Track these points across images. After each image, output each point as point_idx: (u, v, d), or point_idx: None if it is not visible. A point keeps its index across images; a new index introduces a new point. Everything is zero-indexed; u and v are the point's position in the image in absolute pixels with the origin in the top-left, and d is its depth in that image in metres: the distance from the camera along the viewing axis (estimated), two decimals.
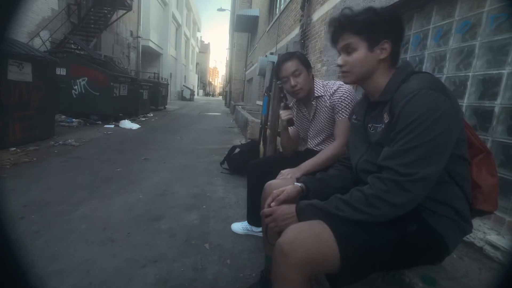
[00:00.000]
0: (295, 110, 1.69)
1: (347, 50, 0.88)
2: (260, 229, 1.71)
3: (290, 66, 1.45)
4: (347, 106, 1.43)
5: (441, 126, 0.72)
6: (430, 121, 0.72)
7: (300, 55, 1.50)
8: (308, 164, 1.42)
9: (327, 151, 1.44)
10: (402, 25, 0.89)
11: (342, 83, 1.48)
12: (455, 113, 0.76)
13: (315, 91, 1.53)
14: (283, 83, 1.52)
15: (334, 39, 0.92)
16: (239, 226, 1.95)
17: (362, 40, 0.85)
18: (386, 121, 0.83)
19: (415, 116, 0.73)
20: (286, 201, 0.97)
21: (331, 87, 1.50)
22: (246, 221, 1.91)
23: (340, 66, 0.91)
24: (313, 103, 1.55)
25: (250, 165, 1.71)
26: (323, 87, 1.53)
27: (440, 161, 0.74)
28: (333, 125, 1.51)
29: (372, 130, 0.91)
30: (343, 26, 0.88)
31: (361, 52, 0.86)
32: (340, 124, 1.44)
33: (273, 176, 1.44)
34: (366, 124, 0.96)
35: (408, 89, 0.77)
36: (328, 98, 1.49)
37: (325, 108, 1.51)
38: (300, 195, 1.01)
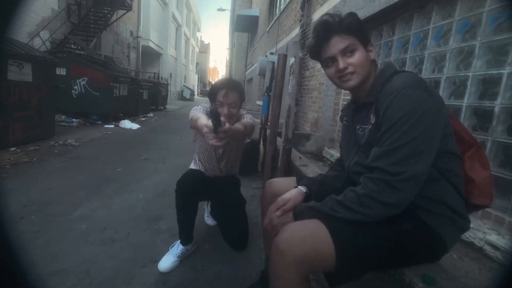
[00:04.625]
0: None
1: (347, 52, 0.86)
2: (187, 246, 1.61)
3: (232, 96, 1.50)
4: (249, 120, 1.58)
5: (425, 123, 0.73)
6: (413, 119, 0.73)
7: (241, 89, 1.57)
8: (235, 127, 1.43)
9: (241, 125, 1.47)
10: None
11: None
12: (438, 109, 0.76)
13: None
14: (216, 105, 1.51)
15: (324, 43, 0.88)
16: (169, 260, 1.54)
17: (358, 41, 0.87)
18: (372, 122, 0.84)
19: (399, 115, 0.74)
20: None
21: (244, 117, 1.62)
22: (175, 247, 1.61)
23: (342, 70, 0.87)
24: None
25: (181, 185, 1.56)
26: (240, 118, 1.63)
27: (428, 158, 0.75)
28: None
29: (361, 131, 0.93)
30: (335, 28, 0.86)
31: (361, 51, 0.87)
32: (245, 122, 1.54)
33: (202, 190, 1.61)
34: (355, 125, 0.97)
35: (390, 89, 0.79)
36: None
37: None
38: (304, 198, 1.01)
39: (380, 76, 0.88)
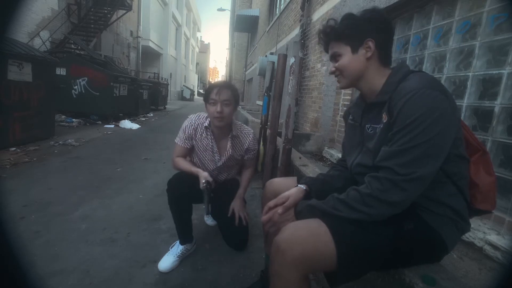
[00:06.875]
0: (204, 135, 1.64)
1: (335, 57, 0.93)
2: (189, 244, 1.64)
3: (225, 93, 1.53)
4: (255, 147, 1.74)
5: (439, 125, 0.72)
6: (429, 121, 0.72)
7: (235, 90, 1.61)
8: (241, 193, 1.76)
9: (249, 175, 1.80)
10: (386, 23, 0.89)
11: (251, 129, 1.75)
12: (453, 112, 0.76)
13: (233, 129, 1.64)
14: (209, 104, 1.53)
15: (326, 49, 0.98)
16: (169, 260, 1.54)
17: (345, 45, 0.89)
18: (385, 121, 0.83)
19: (415, 116, 0.73)
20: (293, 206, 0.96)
21: (247, 133, 1.70)
22: (175, 247, 1.62)
23: (332, 73, 0.96)
24: (229, 138, 1.65)
25: (171, 188, 1.66)
26: (239, 128, 1.69)
27: (438, 160, 0.74)
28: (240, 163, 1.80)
29: (371, 131, 0.92)
30: (328, 36, 0.93)
31: (345, 56, 0.90)
32: (251, 160, 1.77)
33: (195, 192, 1.59)
34: (363, 125, 0.96)
35: (407, 89, 0.77)
36: (246, 141, 1.70)
37: (241, 150, 1.71)
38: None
39: (393, 75, 0.87)
